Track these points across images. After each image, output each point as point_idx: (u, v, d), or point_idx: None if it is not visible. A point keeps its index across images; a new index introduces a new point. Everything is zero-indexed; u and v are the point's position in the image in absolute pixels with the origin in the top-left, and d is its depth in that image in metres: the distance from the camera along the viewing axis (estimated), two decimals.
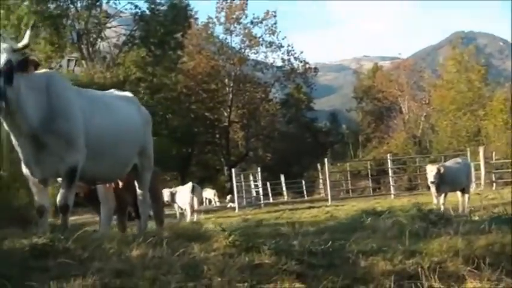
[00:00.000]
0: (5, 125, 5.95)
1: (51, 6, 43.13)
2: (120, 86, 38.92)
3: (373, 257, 5.01)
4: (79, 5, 45.26)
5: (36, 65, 5.83)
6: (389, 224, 7.10)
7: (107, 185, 7.97)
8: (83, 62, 45.59)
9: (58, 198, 6.20)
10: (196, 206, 20.85)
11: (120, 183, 8.06)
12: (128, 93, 8.09)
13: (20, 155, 6.19)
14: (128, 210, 8.67)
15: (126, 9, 48.17)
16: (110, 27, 48.80)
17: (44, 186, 6.33)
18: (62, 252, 4.69)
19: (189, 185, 21.58)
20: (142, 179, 7.84)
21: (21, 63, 5.71)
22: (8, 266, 4.18)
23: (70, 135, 6.16)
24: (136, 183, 7.90)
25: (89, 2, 45.09)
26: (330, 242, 5.33)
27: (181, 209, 21.36)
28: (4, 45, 5.68)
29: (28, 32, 5.90)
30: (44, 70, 6.21)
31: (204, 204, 37.02)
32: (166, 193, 21.59)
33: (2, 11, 41.10)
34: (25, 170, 6.26)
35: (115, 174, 7.46)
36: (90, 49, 46.49)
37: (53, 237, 4.89)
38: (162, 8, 46.61)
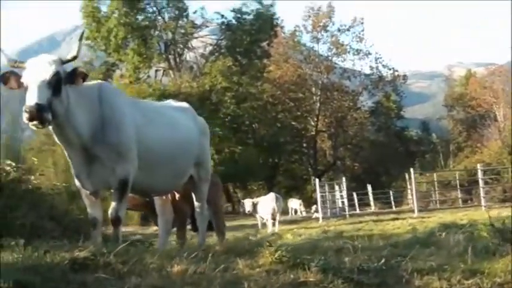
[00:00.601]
0: (55, 138, 5.93)
1: (140, 17, 44.40)
2: (207, 96, 39.65)
3: (429, 276, 4.72)
4: (166, 16, 46.56)
5: (85, 77, 5.77)
6: (457, 239, 6.70)
7: (164, 196, 7.88)
8: (170, 72, 46.67)
9: (109, 210, 6.15)
10: (278, 217, 20.74)
11: (178, 195, 7.97)
12: (184, 104, 7.97)
13: (71, 167, 6.17)
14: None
15: (212, 19, 49.03)
16: (196, 37, 49.66)
17: (95, 199, 6.28)
18: (102, 266, 4.58)
19: (271, 195, 21.53)
20: (199, 190, 7.71)
21: (70, 75, 5.66)
22: (45, 281, 4.09)
23: (121, 147, 6.09)
24: (193, 195, 7.80)
25: (176, 13, 46.10)
26: (384, 260, 5.04)
27: (263, 219, 21.28)
28: (53, 57, 5.66)
29: (78, 44, 5.86)
30: (95, 81, 6.17)
31: (290, 214, 36.95)
32: (248, 203, 21.65)
33: (93, 24, 42.55)
34: (77, 182, 6.22)
35: (169, 186, 7.35)
36: (177, 59, 47.57)
37: (95, 251, 4.80)
38: (248, 17, 47.16)
